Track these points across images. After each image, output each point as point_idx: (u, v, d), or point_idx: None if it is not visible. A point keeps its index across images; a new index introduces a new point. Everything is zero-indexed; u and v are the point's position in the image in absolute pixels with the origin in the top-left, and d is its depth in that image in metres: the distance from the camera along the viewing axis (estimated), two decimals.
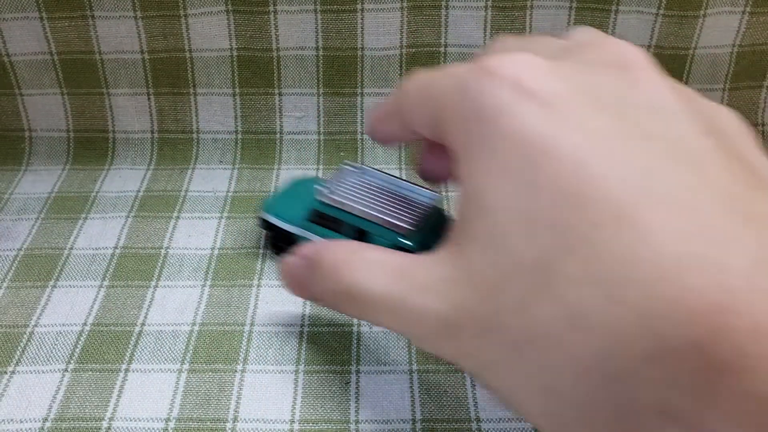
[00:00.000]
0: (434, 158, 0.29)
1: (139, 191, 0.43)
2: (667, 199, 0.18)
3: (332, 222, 0.34)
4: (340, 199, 0.33)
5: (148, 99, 0.45)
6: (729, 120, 0.23)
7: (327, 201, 0.34)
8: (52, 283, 0.36)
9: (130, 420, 0.29)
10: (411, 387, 0.31)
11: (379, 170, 0.35)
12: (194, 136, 0.46)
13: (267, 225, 0.37)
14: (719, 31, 0.44)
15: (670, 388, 0.17)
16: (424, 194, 0.34)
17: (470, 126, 0.22)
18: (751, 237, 0.18)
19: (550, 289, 0.19)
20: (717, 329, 0.17)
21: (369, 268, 0.25)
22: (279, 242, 0.37)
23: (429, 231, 0.33)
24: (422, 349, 0.28)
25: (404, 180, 0.35)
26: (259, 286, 0.36)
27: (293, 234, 0.36)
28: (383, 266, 0.24)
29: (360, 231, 0.33)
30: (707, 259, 0.17)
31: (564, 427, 0.20)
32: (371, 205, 0.33)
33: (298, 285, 0.29)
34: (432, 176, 0.30)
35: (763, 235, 0.18)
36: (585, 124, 0.20)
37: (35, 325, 0.34)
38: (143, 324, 0.34)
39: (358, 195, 0.34)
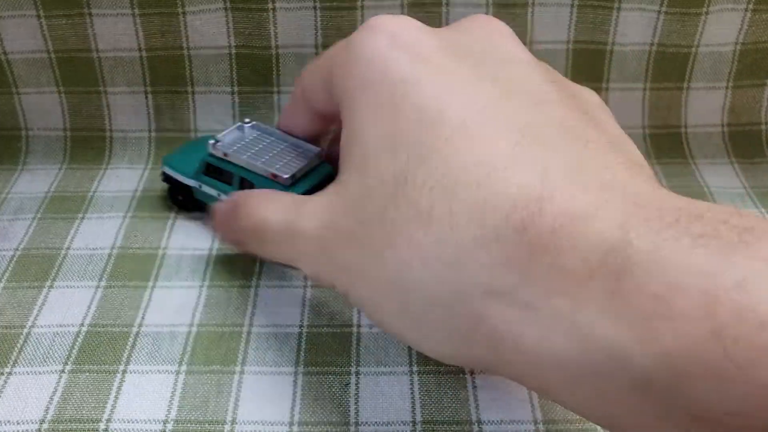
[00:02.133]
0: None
1: (136, 191, 0.43)
2: (504, 121, 0.22)
3: (222, 174, 0.36)
4: (227, 151, 0.36)
5: (146, 97, 0.45)
6: (587, 92, 0.27)
7: (216, 153, 0.36)
8: (48, 283, 0.36)
9: (128, 422, 0.29)
10: (411, 388, 0.31)
11: (269, 126, 0.37)
12: (193, 134, 0.46)
13: (166, 178, 0.40)
14: (722, 29, 0.43)
15: (495, 268, 0.20)
16: (309, 148, 0.36)
17: (351, 71, 0.26)
18: (572, 151, 0.22)
19: (406, 196, 0.22)
20: (534, 214, 0.20)
21: (272, 204, 0.29)
22: (177, 195, 0.40)
23: (311, 182, 0.35)
24: (309, 276, 0.31)
25: (292, 135, 0.36)
26: (257, 286, 0.36)
27: (190, 186, 0.38)
28: (282, 202, 0.29)
29: (245, 181, 0.35)
30: (530, 163, 0.21)
31: (417, 323, 0.23)
32: (256, 157, 0.35)
33: (222, 226, 0.33)
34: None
35: (585, 153, 0.22)
36: (446, 68, 0.24)
37: (32, 326, 0.33)
38: (141, 325, 0.33)
39: (245, 148, 0.36)
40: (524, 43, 0.44)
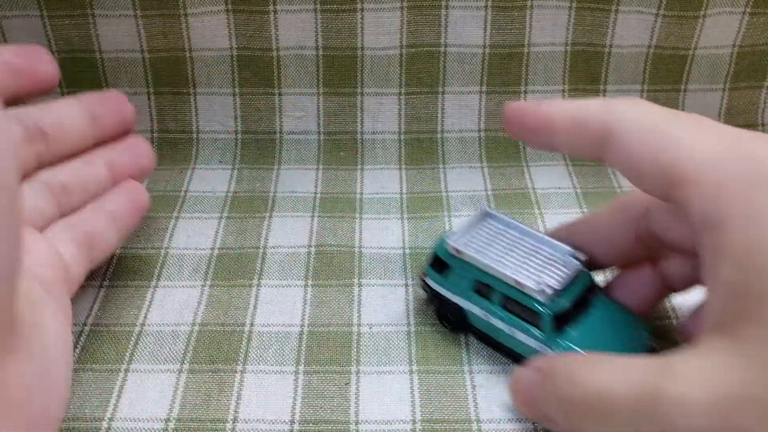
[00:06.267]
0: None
1: None
2: None
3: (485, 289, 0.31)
4: (487, 262, 0.30)
5: (148, 98, 0.45)
6: None
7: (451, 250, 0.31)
8: None
9: (130, 420, 0.29)
10: (411, 387, 0.31)
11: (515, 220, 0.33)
12: (194, 135, 0.46)
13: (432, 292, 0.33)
14: (719, 32, 0.44)
15: None
16: (561, 248, 0.31)
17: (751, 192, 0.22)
18: None
19: None
20: None
21: (614, 368, 0.23)
22: (447, 313, 0.33)
23: (571, 297, 0.30)
24: None
25: (543, 234, 0.32)
26: (258, 286, 0.36)
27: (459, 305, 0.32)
28: (631, 366, 0.23)
29: (506, 298, 0.30)
30: None
31: None
32: (499, 259, 0.30)
33: (526, 400, 0.27)
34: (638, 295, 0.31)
35: None
36: None
37: None
38: (143, 324, 0.34)
39: (485, 245, 0.31)
40: (522, 45, 0.45)
